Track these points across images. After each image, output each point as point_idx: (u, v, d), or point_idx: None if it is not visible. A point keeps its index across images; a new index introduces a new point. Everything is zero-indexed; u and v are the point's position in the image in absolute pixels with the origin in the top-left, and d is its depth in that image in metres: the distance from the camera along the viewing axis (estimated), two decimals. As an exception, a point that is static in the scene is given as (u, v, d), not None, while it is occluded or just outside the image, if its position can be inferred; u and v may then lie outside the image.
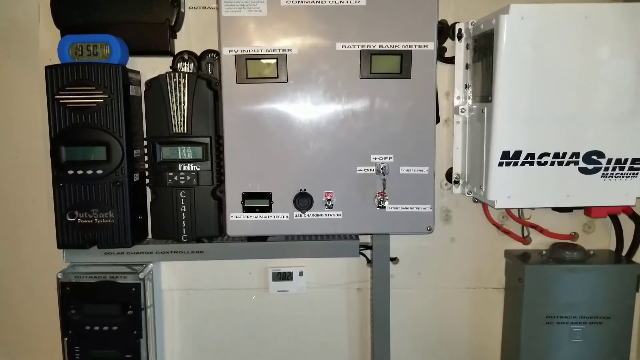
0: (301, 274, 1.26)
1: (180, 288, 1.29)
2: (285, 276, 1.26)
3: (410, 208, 1.10)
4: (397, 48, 1.04)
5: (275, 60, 1.04)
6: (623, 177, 1.06)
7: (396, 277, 1.27)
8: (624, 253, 1.23)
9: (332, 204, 1.08)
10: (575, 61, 1.00)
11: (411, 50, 1.04)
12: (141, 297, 1.15)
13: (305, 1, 1.03)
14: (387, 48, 1.04)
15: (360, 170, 1.08)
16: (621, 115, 1.02)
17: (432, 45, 1.04)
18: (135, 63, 1.17)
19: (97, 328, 1.15)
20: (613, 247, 1.25)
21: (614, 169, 1.05)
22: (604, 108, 1.02)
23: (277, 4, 1.03)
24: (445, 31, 1.16)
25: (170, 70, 1.16)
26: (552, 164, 1.04)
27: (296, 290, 1.27)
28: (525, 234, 1.26)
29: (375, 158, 1.08)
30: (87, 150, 1.08)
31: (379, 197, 1.08)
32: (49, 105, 1.07)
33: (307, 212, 1.08)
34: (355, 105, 1.06)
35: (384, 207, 1.08)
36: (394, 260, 1.23)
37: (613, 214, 1.20)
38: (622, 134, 1.03)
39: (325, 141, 1.07)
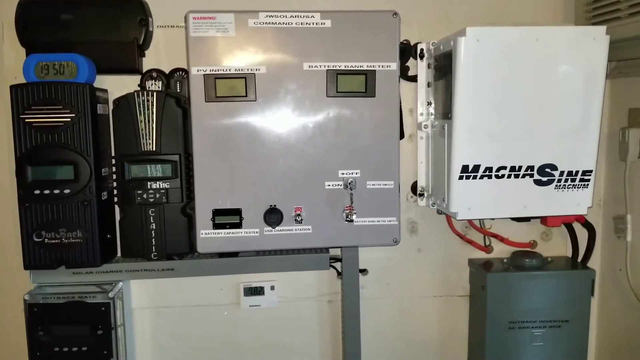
0: (272, 288, 1.28)
1: (151, 306, 1.28)
2: (257, 291, 1.28)
3: (377, 221, 1.13)
4: (361, 68, 1.08)
5: (244, 79, 1.07)
6: (575, 187, 1.12)
7: (366, 288, 1.30)
8: (579, 259, 1.30)
9: (301, 219, 1.11)
10: (529, 80, 1.06)
11: (375, 70, 1.09)
12: (111, 317, 1.14)
13: (272, 22, 1.06)
14: (352, 68, 1.08)
15: (329, 185, 1.11)
16: (572, 130, 1.08)
17: (394, 66, 1.09)
18: (104, 81, 1.17)
19: (66, 349, 1.13)
20: (569, 254, 1.32)
21: (566, 180, 1.11)
22: (556, 124, 1.08)
23: (245, 25, 1.06)
24: (408, 51, 1.21)
25: (139, 88, 1.17)
26: (509, 176, 1.10)
27: (268, 304, 1.28)
28: (487, 243, 1.31)
29: (342, 173, 1.11)
30: (53, 169, 1.07)
31: (347, 211, 1.11)
32: (14, 125, 1.05)
33: (277, 227, 1.11)
34: (323, 122, 1.09)
35: (352, 221, 1.11)
36: (363, 271, 1.27)
37: (567, 223, 1.27)
38: (573, 147, 1.09)
39: (294, 158, 1.10)
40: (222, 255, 1.18)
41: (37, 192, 1.07)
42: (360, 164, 1.11)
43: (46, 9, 1.13)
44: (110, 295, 1.15)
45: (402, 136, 1.20)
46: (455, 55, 1.04)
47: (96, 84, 1.13)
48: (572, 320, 1.24)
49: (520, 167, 1.09)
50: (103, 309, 1.14)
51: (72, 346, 1.13)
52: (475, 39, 1.03)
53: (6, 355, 1.28)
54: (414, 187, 1.28)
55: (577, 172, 1.11)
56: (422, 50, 1.21)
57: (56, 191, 1.07)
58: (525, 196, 1.11)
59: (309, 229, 1.12)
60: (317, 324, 1.33)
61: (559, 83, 1.06)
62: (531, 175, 1.10)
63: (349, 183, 1.11)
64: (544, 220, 1.24)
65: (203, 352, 1.31)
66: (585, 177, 1.11)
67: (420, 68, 1.22)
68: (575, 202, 1.13)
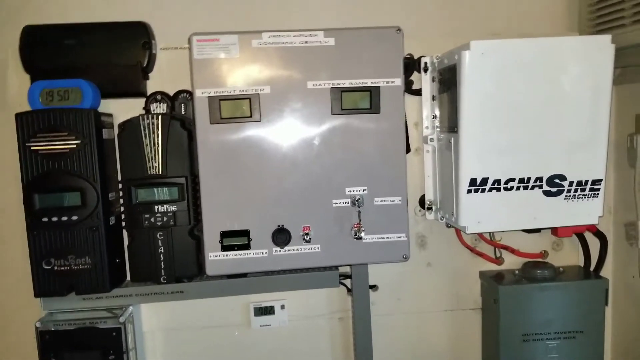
0: (283, 307, 1.27)
1: (161, 329, 1.27)
2: (267, 310, 1.27)
3: (386, 237, 1.12)
4: (366, 85, 1.08)
5: (248, 100, 1.07)
6: (585, 197, 1.11)
7: (376, 304, 1.29)
8: (591, 268, 1.28)
9: (310, 238, 1.10)
10: (535, 91, 1.05)
11: (379, 87, 1.08)
12: (122, 341, 1.14)
13: (275, 42, 1.06)
14: (356, 85, 1.08)
15: (336, 203, 1.11)
16: (580, 140, 1.07)
17: (399, 81, 1.09)
18: (108, 105, 1.17)
19: (77, 375, 1.13)
20: (581, 263, 1.31)
21: (575, 190, 1.10)
22: (564, 134, 1.07)
23: (248, 45, 1.06)
24: (411, 64, 1.21)
25: (144, 111, 1.17)
26: (518, 188, 1.09)
27: (278, 323, 1.27)
28: (498, 254, 1.30)
29: (350, 191, 1.11)
30: (61, 196, 1.07)
31: (356, 229, 1.10)
32: (20, 153, 1.05)
33: (285, 247, 1.10)
34: (328, 140, 1.09)
35: (360, 238, 1.11)
36: (373, 287, 1.26)
37: (579, 233, 1.26)
38: (582, 157, 1.08)
39: (300, 176, 1.09)
40: (230, 276, 1.17)
41: (45, 219, 1.07)
42: (368, 180, 1.11)
43: (50, 35, 1.14)
44: (121, 320, 1.14)
45: (408, 150, 1.20)
46: (459, 69, 1.03)
47: (101, 109, 1.13)
48: (586, 330, 1.22)
49: (529, 179, 1.08)
50: (114, 333, 1.13)
51: (84, 372, 1.13)
52: (479, 52, 1.02)
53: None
54: (421, 201, 1.27)
55: (586, 181, 1.10)
56: (425, 64, 1.21)
57: (64, 218, 1.07)
58: (535, 208, 1.10)
59: (317, 248, 1.11)
60: (328, 341, 1.32)
61: (566, 93, 1.06)
62: (540, 187, 1.09)
63: (357, 200, 1.10)
64: (554, 231, 1.23)
65: (215, 373, 1.31)
66: (595, 187, 1.10)
67: (425, 82, 1.22)
68: (586, 212, 1.11)
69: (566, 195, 1.10)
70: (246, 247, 1.09)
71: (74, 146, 1.06)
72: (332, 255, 1.12)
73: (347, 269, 1.23)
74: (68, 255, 1.07)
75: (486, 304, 1.31)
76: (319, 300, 1.30)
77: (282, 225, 1.10)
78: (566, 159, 1.08)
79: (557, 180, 1.09)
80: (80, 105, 1.09)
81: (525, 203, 1.09)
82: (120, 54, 1.15)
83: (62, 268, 1.08)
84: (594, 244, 1.28)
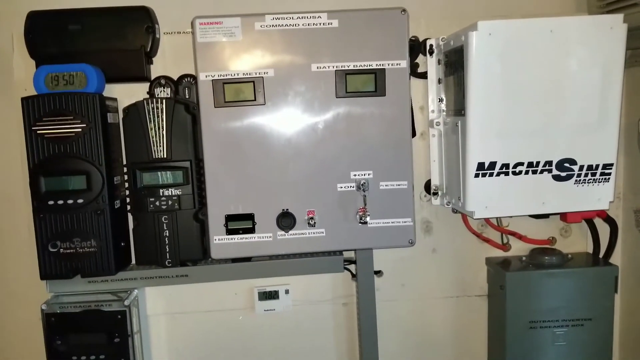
0: (287, 292, 1.27)
1: (166, 313, 1.28)
2: (271, 295, 1.27)
3: (392, 222, 1.11)
4: (370, 67, 1.07)
5: (252, 83, 1.06)
6: (595, 182, 1.09)
7: (381, 290, 1.28)
8: (601, 255, 1.26)
9: (314, 222, 1.10)
10: (544, 73, 1.03)
11: (385, 69, 1.07)
12: (127, 324, 1.14)
13: (279, 25, 1.05)
14: (361, 67, 1.07)
15: (341, 187, 1.10)
16: (590, 123, 1.05)
17: (404, 63, 1.07)
18: (112, 90, 1.17)
19: (84, 358, 1.14)
20: (590, 250, 1.29)
21: (586, 175, 1.08)
22: (573, 117, 1.05)
23: (251, 28, 1.05)
24: (417, 47, 1.19)
25: (148, 95, 1.17)
26: (527, 172, 1.07)
27: (282, 308, 1.27)
28: (505, 241, 1.29)
29: (355, 175, 1.10)
30: (66, 179, 1.07)
31: (361, 213, 1.09)
32: (26, 137, 1.06)
33: (290, 232, 1.10)
34: (333, 123, 1.08)
35: (365, 223, 1.10)
36: (378, 273, 1.25)
37: (588, 218, 1.24)
38: (592, 141, 1.06)
39: (305, 160, 1.09)
40: (235, 260, 1.17)
41: (51, 202, 1.07)
42: (373, 164, 1.10)
43: (54, 20, 1.14)
44: (126, 303, 1.15)
45: (413, 134, 1.18)
46: (466, 51, 1.02)
47: (105, 93, 1.13)
48: (595, 318, 1.21)
49: (537, 163, 1.07)
50: (119, 317, 1.14)
51: (90, 355, 1.14)
52: (487, 33, 1.00)
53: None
54: (427, 186, 1.25)
55: (597, 166, 1.07)
56: (431, 46, 1.19)
57: (70, 201, 1.07)
58: (544, 192, 1.08)
59: (322, 232, 1.10)
60: (332, 327, 1.32)
61: (576, 75, 1.03)
62: (549, 171, 1.07)
63: (362, 184, 1.09)
64: (563, 216, 1.20)
65: (219, 357, 1.31)
66: (606, 171, 1.08)
67: (430, 64, 1.20)
68: (596, 197, 1.09)
69: (576, 180, 1.08)
70: (251, 230, 1.09)
71: (79, 130, 1.06)
72: (337, 240, 1.11)
73: (351, 254, 1.22)
74: (73, 238, 1.08)
75: (492, 291, 1.30)
76: (323, 286, 1.29)
77: (287, 209, 1.09)
78: (576, 143, 1.06)
79: (567, 165, 1.07)
80: (85, 90, 1.09)
81: (534, 188, 1.08)
82: (123, 38, 1.14)
83: (68, 251, 1.08)
84: (602, 230, 1.26)
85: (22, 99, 1.06)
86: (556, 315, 1.20)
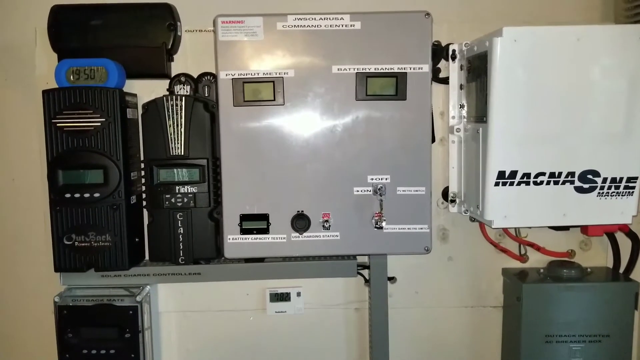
0: (299, 294, 1.26)
1: (177, 310, 1.28)
2: (283, 297, 1.26)
3: (408, 228, 1.10)
4: (392, 70, 1.06)
5: (272, 83, 1.05)
6: (619, 195, 1.06)
7: (394, 297, 1.26)
8: (621, 270, 1.23)
9: (329, 225, 1.08)
10: (569, 82, 1.01)
11: (406, 72, 1.06)
12: (139, 320, 1.14)
13: (301, 25, 1.04)
14: (382, 70, 1.05)
15: (357, 191, 1.09)
16: (615, 135, 1.03)
17: (426, 67, 1.06)
18: (133, 86, 1.18)
19: (94, 352, 1.14)
20: (610, 264, 1.26)
21: (609, 187, 1.05)
22: (598, 127, 1.03)
23: (273, 28, 1.04)
24: (439, 52, 1.17)
25: (168, 93, 1.17)
26: (548, 183, 1.05)
27: (294, 311, 1.26)
28: (523, 252, 1.26)
29: (372, 179, 1.09)
30: (84, 173, 1.08)
31: (376, 218, 1.08)
32: (46, 129, 1.07)
33: (304, 234, 1.09)
34: (352, 126, 1.07)
35: (381, 228, 1.08)
36: (391, 279, 1.23)
37: (609, 232, 1.21)
38: (617, 153, 1.04)
39: (322, 162, 1.08)
40: (248, 260, 1.17)
41: (67, 195, 1.08)
42: (391, 169, 1.08)
43: (77, 15, 1.15)
44: (138, 298, 1.15)
45: (433, 140, 1.16)
46: (490, 57, 1.00)
47: (125, 89, 1.14)
48: (613, 335, 1.17)
49: (560, 174, 1.04)
50: (131, 312, 1.14)
51: (101, 349, 1.14)
52: (512, 39, 0.99)
53: (36, 355, 1.29)
54: (444, 193, 1.23)
55: (621, 178, 1.05)
56: (454, 51, 1.17)
57: (86, 195, 1.08)
58: (565, 204, 1.05)
59: (337, 236, 1.09)
60: (343, 331, 1.30)
61: (601, 85, 1.01)
62: (572, 182, 1.05)
63: (379, 189, 1.07)
64: (584, 229, 1.18)
65: (228, 357, 1.30)
66: (630, 184, 1.05)
67: (452, 70, 1.18)
68: (619, 210, 1.06)
69: (599, 192, 1.06)
70: (265, 231, 1.08)
71: (99, 124, 1.07)
72: (351, 244, 1.10)
73: (364, 259, 1.21)
74: (89, 232, 1.08)
75: (508, 302, 1.27)
76: (335, 290, 1.28)
77: (302, 211, 1.08)
78: (600, 154, 1.04)
79: (590, 176, 1.05)
80: (105, 84, 1.10)
81: (555, 199, 1.05)
82: (145, 35, 1.15)
83: (83, 244, 1.09)
84: (623, 244, 1.23)
85: (43, 91, 1.07)
86: (573, 330, 1.17)
